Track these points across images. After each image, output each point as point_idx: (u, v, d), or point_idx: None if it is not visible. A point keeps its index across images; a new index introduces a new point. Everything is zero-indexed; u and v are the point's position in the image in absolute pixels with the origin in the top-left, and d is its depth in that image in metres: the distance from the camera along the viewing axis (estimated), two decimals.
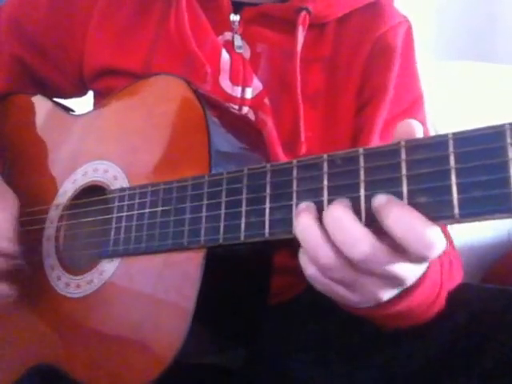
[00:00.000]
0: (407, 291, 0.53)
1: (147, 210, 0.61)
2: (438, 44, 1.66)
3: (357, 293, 0.49)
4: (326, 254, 0.45)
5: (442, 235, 0.43)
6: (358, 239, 0.44)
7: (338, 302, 0.53)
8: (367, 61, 0.77)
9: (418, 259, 0.45)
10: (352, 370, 0.75)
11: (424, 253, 0.43)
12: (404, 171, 0.43)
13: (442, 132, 0.43)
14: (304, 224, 0.46)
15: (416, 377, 0.71)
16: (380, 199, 0.44)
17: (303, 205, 0.48)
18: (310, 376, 0.78)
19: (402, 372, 0.72)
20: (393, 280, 0.48)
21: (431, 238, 0.42)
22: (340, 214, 0.45)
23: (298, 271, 0.82)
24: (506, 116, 0.42)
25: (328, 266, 0.46)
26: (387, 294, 0.50)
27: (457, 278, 0.71)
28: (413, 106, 0.80)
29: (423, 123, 0.80)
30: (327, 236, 0.45)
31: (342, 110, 0.78)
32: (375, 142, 0.75)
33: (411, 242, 0.42)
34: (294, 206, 0.49)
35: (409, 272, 0.48)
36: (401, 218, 0.42)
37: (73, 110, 0.83)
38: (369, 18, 0.79)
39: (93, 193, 0.70)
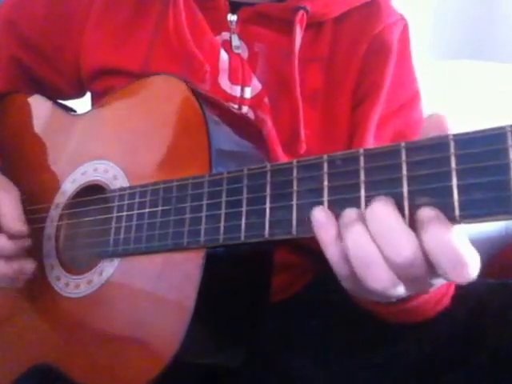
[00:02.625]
0: None
1: (147, 210, 0.61)
2: (435, 43, 1.66)
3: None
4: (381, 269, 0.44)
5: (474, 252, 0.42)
6: (402, 242, 0.42)
7: (350, 293, 0.51)
8: (364, 59, 0.78)
9: (453, 277, 0.42)
10: (352, 368, 0.76)
11: (457, 272, 0.41)
12: (404, 172, 0.43)
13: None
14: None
15: (415, 373, 0.72)
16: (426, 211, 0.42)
17: (352, 214, 0.45)
18: (310, 374, 0.78)
19: (402, 369, 0.73)
20: (420, 288, 0.46)
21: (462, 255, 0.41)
22: (383, 211, 0.43)
23: (296, 269, 0.83)
24: (504, 115, 0.43)
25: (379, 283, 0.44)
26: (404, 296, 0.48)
27: None
28: (408, 103, 0.80)
29: (419, 121, 0.81)
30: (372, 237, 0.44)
31: (339, 108, 0.78)
32: (370, 138, 0.75)
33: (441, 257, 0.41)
34: (294, 207, 0.49)
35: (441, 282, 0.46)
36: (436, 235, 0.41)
37: (73, 110, 0.83)
38: (366, 17, 0.79)
39: (93, 192, 0.70)
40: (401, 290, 0.45)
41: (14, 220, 0.69)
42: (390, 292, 0.45)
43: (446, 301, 0.64)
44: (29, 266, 0.69)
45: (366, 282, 0.44)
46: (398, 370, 0.73)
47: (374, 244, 0.44)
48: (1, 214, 0.69)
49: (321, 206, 0.47)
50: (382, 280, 0.44)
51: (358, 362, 0.76)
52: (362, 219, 0.44)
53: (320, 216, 0.46)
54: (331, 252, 0.46)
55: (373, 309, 0.58)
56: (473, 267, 0.41)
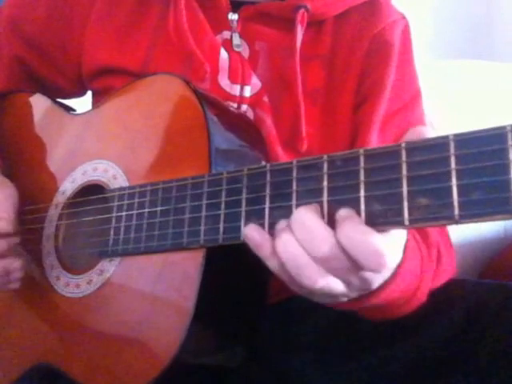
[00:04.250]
0: (381, 285, 0.53)
1: (146, 210, 0.61)
2: (436, 43, 1.66)
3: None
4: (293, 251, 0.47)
5: (391, 246, 0.46)
6: (320, 239, 0.46)
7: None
8: (365, 58, 0.78)
9: (371, 270, 0.46)
10: (350, 368, 0.76)
11: (373, 266, 0.44)
12: (404, 172, 0.43)
13: (440, 130, 0.43)
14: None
15: (413, 374, 0.72)
16: (341, 212, 0.46)
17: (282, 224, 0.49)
18: (308, 375, 0.78)
19: (400, 370, 0.72)
20: (356, 283, 0.49)
21: (378, 248, 0.44)
22: (304, 215, 0.47)
23: None
24: (504, 114, 0.42)
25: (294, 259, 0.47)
26: (352, 295, 0.51)
27: (446, 275, 0.71)
28: (410, 102, 0.80)
29: (420, 120, 0.81)
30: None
31: (340, 106, 0.78)
32: (373, 138, 0.75)
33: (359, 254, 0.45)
34: (293, 207, 0.49)
35: (373, 276, 0.49)
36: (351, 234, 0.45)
37: (74, 110, 0.82)
38: (366, 16, 0.79)
39: (92, 192, 0.70)
40: (339, 287, 0.49)
41: (6, 220, 0.69)
42: (329, 289, 0.48)
43: (418, 300, 0.64)
44: (16, 263, 0.69)
45: (302, 283, 0.48)
46: (396, 371, 0.73)
47: (300, 246, 0.47)
48: None
49: (250, 226, 0.50)
50: (313, 277, 0.47)
51: (356, 362, 0.76)
52: (290, 227, 0.48)
53: (253, 236, 0.50)
54: (271, 264, 0.50)
55: (344, 307, 0.59)
56: (387, 255, 0.44)
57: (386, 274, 0.52)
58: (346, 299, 0.52)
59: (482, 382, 0.67)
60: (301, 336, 0.81)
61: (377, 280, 0.51)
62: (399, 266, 0.53)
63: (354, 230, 0.44)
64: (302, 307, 0.83)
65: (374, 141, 0.75)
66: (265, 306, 0.65)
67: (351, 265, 0.46)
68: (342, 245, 0.45)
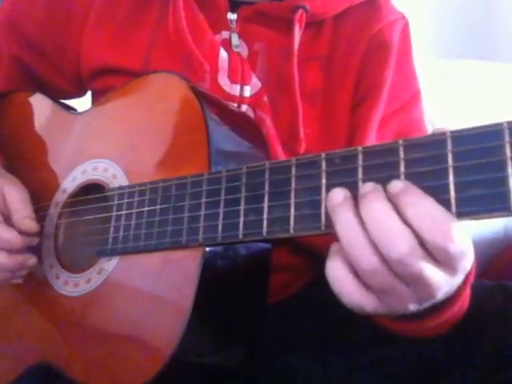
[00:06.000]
0: (447, 303, 0.51)
1: (146, 208, 0.61)
2: (436, 42, 1.66)
3: (386, 303, 0.48)
4: (368, 253, 0.44)
5: (464, 231, 0.42)
6: (397, 237, 0.43)
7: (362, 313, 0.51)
8: (364, 58, 0.78)
9: (439, 254, 0.43)
10: (350, 368, 0.76)
11: (445, 245, 0.42)
12: (402, 169, 0.44)
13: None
14: (346, 222, 0.45)
15: (413, 374, 0.72)
16: (398, 185, 0.43)
17: (340, 195, 0.45)
18: (309, 374, 0.78)
19: (400, 370, 0.72)
20: (425, 289, 0.46)
21: (452, 230, 0.41)
22: (380, 208, 0.43)
23: (296, 269, 0.83)
24: (504, 114, 0.43)
25: (368, 270, 0.44)
26: (416, 306, 0.48)
27: None
28: (410, 102, 0.80)
29: (420, 120, 0.81)
30: (368, 234, 0.44)
31: (339, 107, 0.78)
32: (371, 138, 0.75)
33: (431, 232, 0.42)
34: (292, 205, 0.49)
35: (442, 282, 0.46)
36: (419, 206, 0.42)
37: (74, 109, 0.83)
38: (365, 15, 0.79)
39: (92, 191, 0.70)
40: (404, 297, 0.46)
41: (27, 217, 0.69)
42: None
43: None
44: (31, 260, 0.70)
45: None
46: (396, 371, 0.73)
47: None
48: (11, 209, 0.70)
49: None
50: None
51: (356, 362, 0.76)
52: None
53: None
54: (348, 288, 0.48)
55: (398, 329, 0.58)
56: (453, 226, 0.41)
57: (455, 280, 0.47)
58: (415, 308, 0.48)
59: (481, 382, 0.67)
60: (301, 336, 0.81)
61: (448, 285, 0.47)
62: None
63: (416, 198, 0.42)
64: (302, 307, 0.83)
65: (372, 141, 0.75)
66: (265, 305, 0.65)
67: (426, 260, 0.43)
68: (408, 220, 0.42)
